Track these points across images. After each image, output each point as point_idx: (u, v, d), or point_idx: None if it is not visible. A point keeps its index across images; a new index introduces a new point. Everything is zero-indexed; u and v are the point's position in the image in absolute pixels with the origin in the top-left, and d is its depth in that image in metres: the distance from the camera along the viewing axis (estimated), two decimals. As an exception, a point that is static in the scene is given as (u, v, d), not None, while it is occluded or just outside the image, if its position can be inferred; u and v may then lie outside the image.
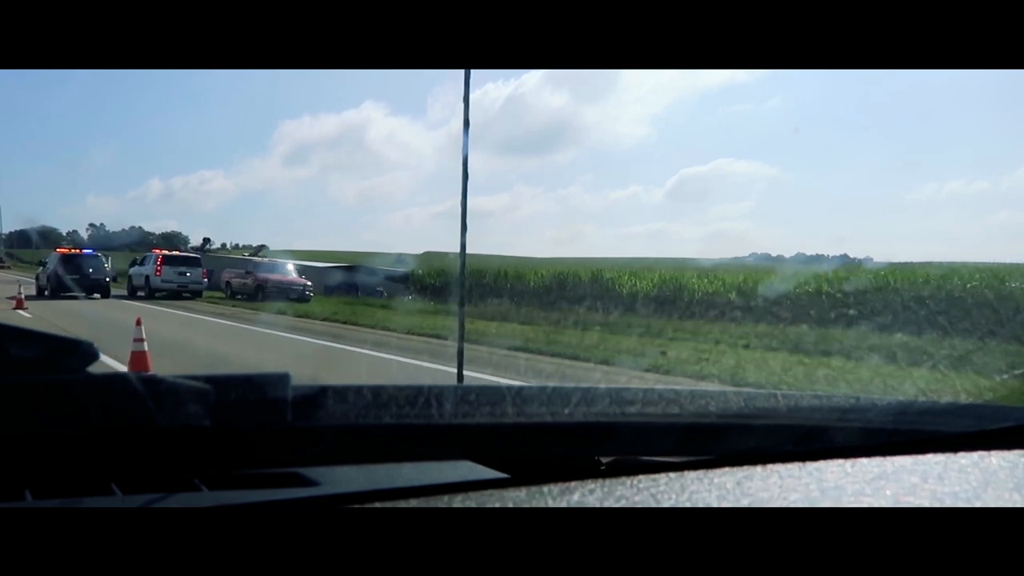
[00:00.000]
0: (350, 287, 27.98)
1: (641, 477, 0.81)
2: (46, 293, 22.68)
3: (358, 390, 0.75)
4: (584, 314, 17.05)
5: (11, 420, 0.65)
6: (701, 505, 0.76)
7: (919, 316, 12.46)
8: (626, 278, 21.83)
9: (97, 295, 22.79)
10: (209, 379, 0.70)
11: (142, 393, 0.67)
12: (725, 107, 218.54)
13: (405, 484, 0.82)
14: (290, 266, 25.72)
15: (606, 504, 0.75)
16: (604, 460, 0.89)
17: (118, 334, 9.88)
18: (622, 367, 9.52)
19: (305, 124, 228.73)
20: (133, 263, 26.74)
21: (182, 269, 24.34)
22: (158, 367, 7.92)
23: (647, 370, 9.33)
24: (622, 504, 0.76)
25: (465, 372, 6.23)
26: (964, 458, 0.90)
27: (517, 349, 10.91)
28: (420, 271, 28.48)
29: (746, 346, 11.21)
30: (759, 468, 0.86)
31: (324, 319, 16.85)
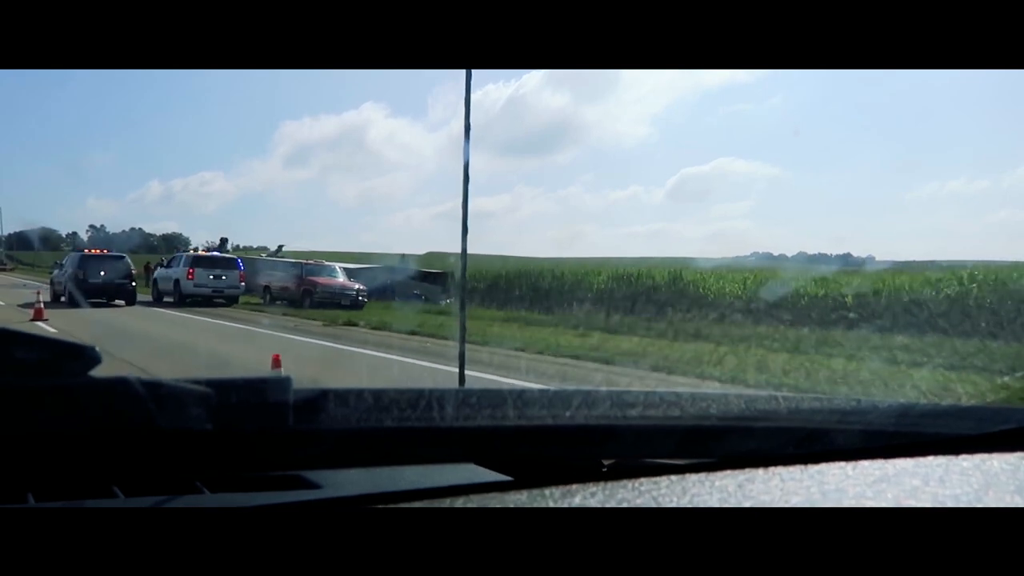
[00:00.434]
0: (384, 290, 24.56)
1: (643, 479, 0.81)
2: (62, 299, 19.70)
3: (359, 393, 0.75)
4: (688, 323, 14.88)
5: (14, 423, 0.65)
6: (702, 507, 0.76)
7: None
8: (711, 280, 19.43)
9: (121, 302, 19.82)
10: (211, 382, 0.70)
11: (144, 396, 0.67)
12: (726, 107, 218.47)
13: (408, 487, 0.82)
14: (338, 268, 22.73)
15: (608, 506, 0.75)
16: (606, 462, 0.89)
17: (210, 364, 8.61)
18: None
19: (305, 125, 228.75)
20: (159, 265, 24.12)
21: (217, 272, 21.13)
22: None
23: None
24: (624, 506, 0.76)
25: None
26: (965, 460, 0.90)
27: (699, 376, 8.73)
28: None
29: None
30: (760, 470, 0.86)
31: (411, 332, 13.67)
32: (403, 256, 29.13)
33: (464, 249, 6.20)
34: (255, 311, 19.23)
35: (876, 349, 10.42)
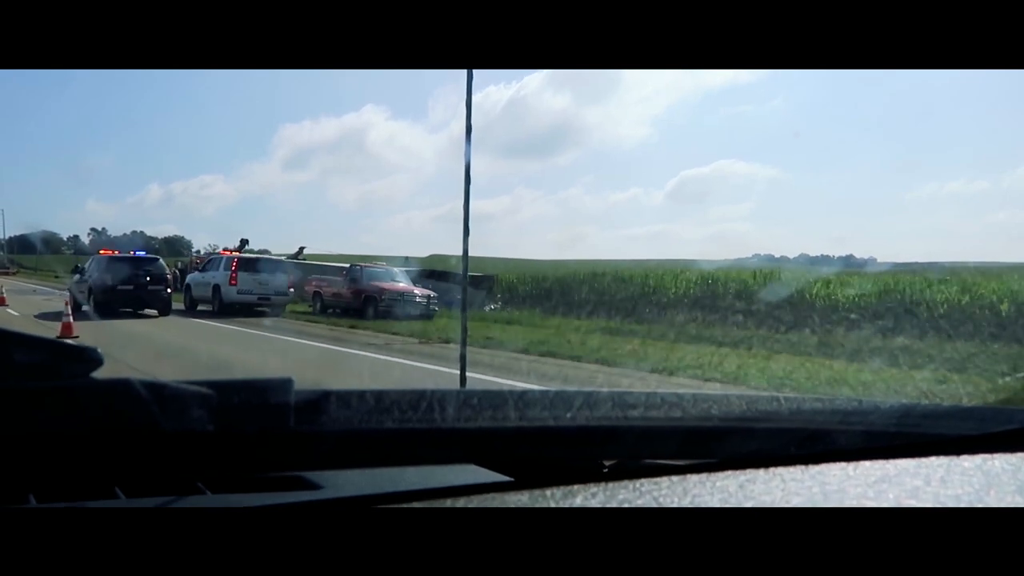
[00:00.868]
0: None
1: (644, 480, 0.81)
2: (84, 308, 16.11)
3: (360, 395, 0.76)
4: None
5: (16, 424, 0.66)
6: (704, 507, 0.76)
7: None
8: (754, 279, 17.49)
9: (154, 311, 16.78)
10: (212, 384, 0.70)
11: (146, 398, 0.67)
12: (727, 108, 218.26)
13: (409, 488, 0.82)
14: (398, 272, 19.43)
15: (609, 507, 0.75)
16: (607, 463, 0.89)
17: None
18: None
19: (305, 128, 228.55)
20: (185, 269, 21.54)
21: (263, 277, 18.07)
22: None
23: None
24: (625, 507, 0.76)
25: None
26: (967, 461, 0.90)
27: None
28: (511, 277, 23.78)
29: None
30: (761, 471, 0.86)
31: (522, 350, 11.34)
32: (407, 258, 28.16)
33: (465, 251, 6.21)
34: (311, 322, 16.42)
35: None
